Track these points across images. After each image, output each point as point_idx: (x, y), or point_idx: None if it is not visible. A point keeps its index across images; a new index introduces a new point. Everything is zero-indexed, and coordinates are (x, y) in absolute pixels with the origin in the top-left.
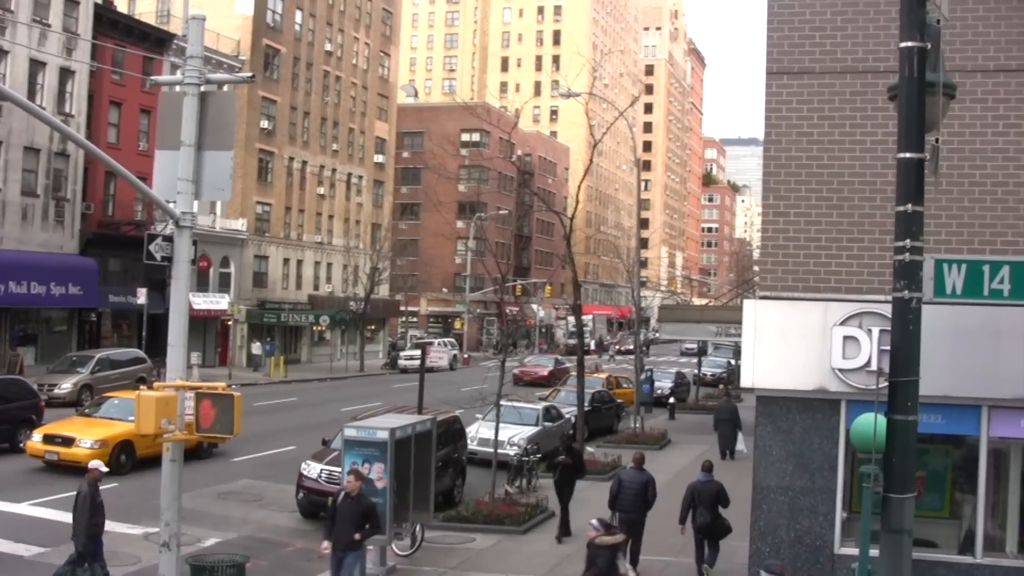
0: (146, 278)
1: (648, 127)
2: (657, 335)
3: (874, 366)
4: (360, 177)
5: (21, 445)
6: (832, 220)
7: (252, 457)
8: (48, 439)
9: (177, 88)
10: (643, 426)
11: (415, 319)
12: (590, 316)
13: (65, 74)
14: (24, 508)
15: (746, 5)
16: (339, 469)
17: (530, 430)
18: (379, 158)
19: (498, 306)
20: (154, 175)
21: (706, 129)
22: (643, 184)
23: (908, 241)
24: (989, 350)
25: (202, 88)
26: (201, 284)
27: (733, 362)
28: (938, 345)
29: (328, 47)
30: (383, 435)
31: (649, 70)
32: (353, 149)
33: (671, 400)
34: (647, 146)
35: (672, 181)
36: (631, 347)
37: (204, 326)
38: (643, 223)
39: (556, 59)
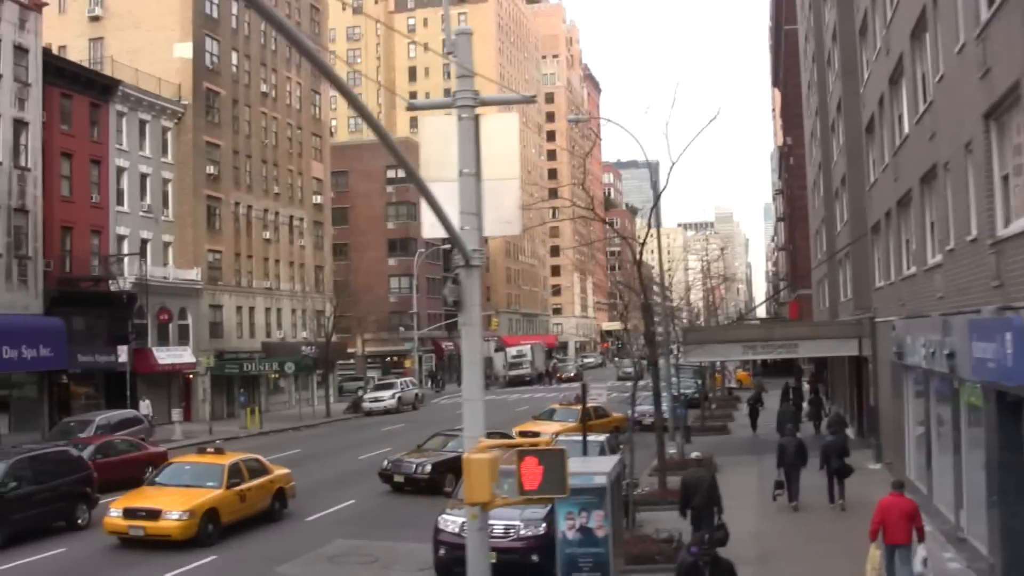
0: (109, 335)
1: (552, 155)
2: (679, 360)
3: None
4: (301, 219)
5: (80, 522)
6: None
7: (322, 515)
8: (130, 513)
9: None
10: (682, 452)
11: (351, 361)
12: (528, 345)
13: (19, 126)
14: None
15: (634, 26)
16: None
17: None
18: (317, 199)
19: (435, 343)
20: (422, 211)
21: (604, 154)
22: (552, 212)
23: None
24: None
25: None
26: (162, 338)
27: (699, 382)
28: None
29: (263, 88)
30: (601, 480)
31: (549, 98)
32: (292, 191)
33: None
34: (552, 173)
35: (577, 208)
36: (571, 375)
37: (168, 381)
38: (554, 251)
39: None
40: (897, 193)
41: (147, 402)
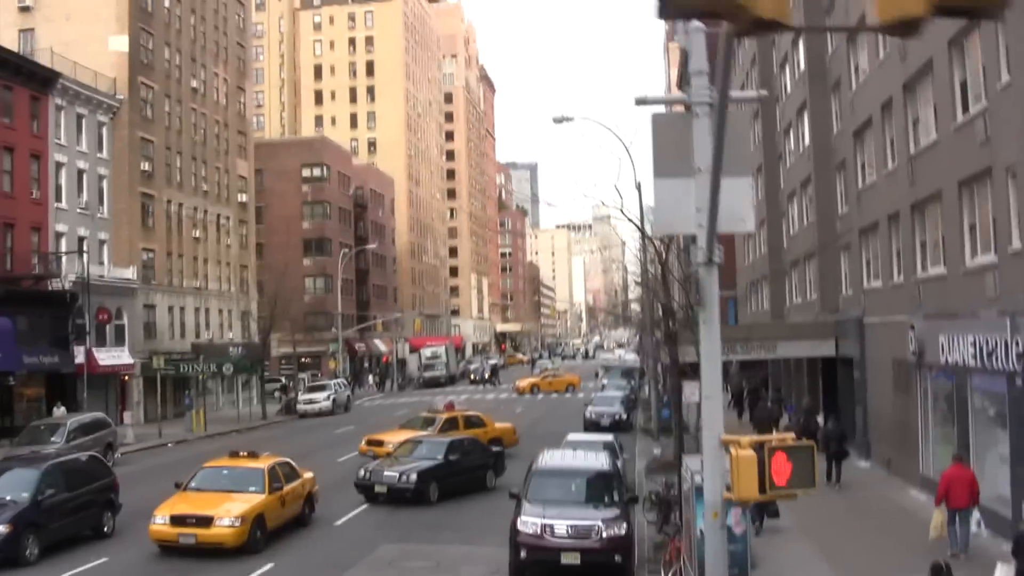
0: (52, 336)
1: (451, 155)
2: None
3: None
4: (227, 218)
5: (107, 530)
6: None
7: (348, 519)
8: (178, 520)
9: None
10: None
11: (266, 362)
12: (442, 346)
13: None
14: None
15: (526, 26)
16: (554, 523)
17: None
18: (242, 197)
19: (347, 344)
20: (655, 206)
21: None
22: (450, 212)
23: None
24: None
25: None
26: (100, 338)
27: (631, 383)
28: None
29: (194, 83)
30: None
31: (448, 98)
32: (219, 189)
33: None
34: (451, 174)
35: (475, 208)
36: (486, 376)
37: (106, 383)
38: (452, 251)
39: (371, 90)
40: (914, 196)
41: (63, 409)
